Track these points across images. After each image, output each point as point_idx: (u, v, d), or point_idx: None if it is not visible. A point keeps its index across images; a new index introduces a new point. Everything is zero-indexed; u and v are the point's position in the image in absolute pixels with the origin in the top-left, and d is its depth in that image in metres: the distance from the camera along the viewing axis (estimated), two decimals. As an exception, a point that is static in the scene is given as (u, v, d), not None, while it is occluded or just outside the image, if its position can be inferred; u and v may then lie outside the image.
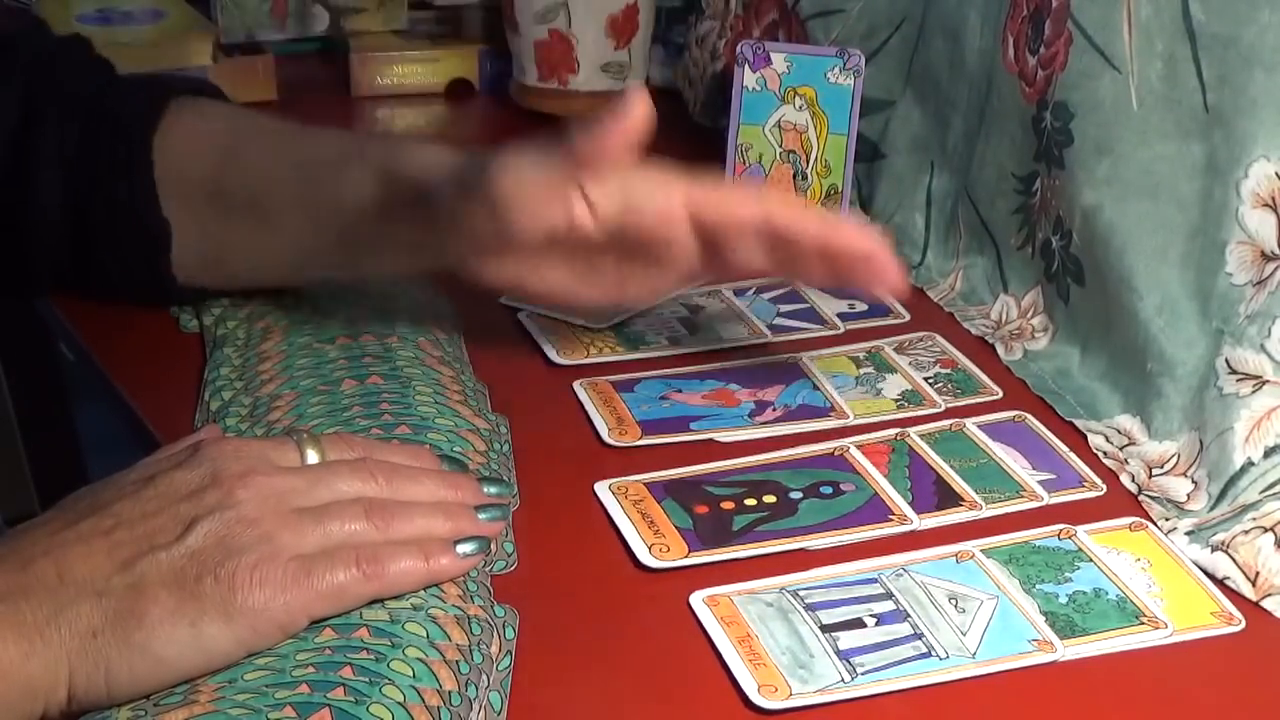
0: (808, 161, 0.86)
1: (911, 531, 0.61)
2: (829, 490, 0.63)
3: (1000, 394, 0.72)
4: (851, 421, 0.69)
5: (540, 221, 0.59)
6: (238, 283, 0.71)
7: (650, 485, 0.63)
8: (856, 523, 0.61)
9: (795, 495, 0.62)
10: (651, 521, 0.60)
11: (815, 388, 0.71)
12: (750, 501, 0.62)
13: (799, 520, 0.61)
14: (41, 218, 0.67)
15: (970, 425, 0.69)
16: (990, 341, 0.77)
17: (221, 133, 0.68)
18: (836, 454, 0.66)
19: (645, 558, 0.58)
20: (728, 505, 0.61)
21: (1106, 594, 0.57)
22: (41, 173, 0.66)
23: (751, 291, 0.81)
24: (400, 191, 0.63)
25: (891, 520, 0.61)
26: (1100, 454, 0.67)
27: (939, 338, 0.77)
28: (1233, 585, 0.58)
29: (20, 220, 0.67)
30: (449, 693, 0.48)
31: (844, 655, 0.53)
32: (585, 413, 0.68)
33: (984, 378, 0.73)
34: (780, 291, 0.81)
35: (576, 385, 0.70)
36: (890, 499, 0.62)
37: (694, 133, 1.04)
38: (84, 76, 0.69)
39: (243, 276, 0.70)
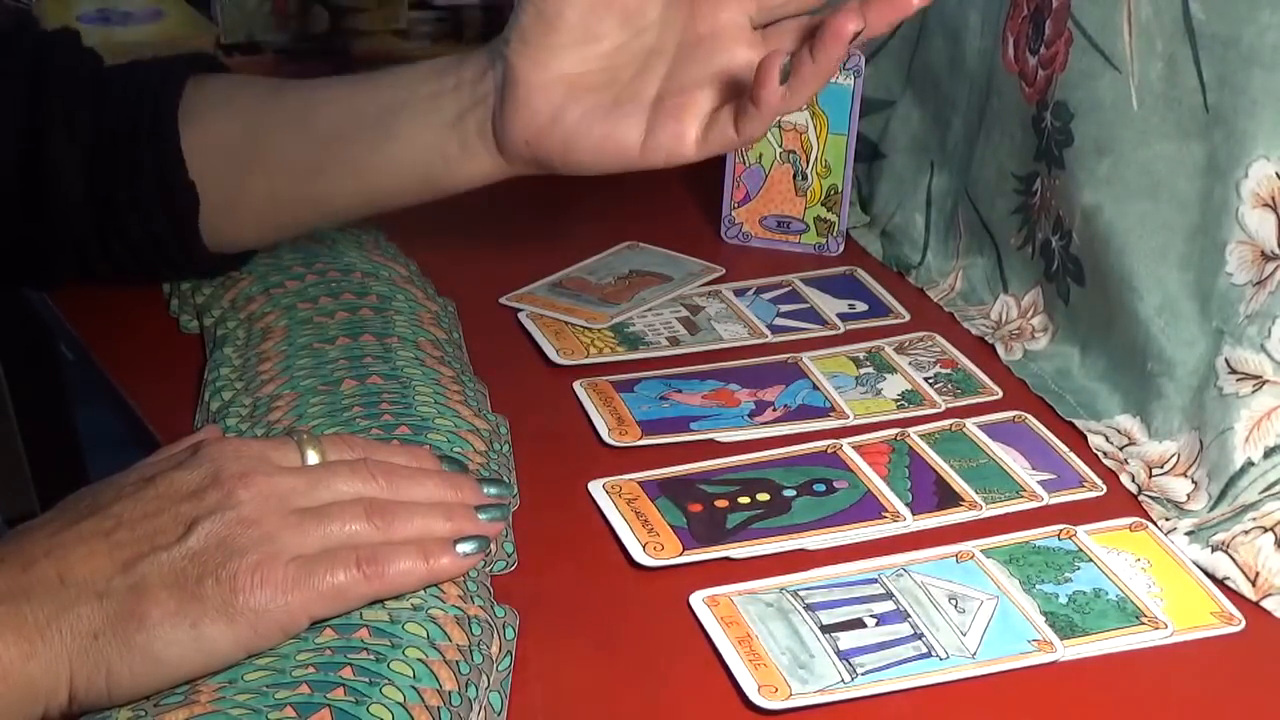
0: (808, 161, 0.86)
1: (911, 531, 0.61)
2: (822, 488, 0.63)
3: (1000, 394, 0.72)
4: (851, 421, 0.69)
5: None
6: (253, 235, 0.71)
7: (644, 484, 0.63)
8: (850, 520, 0.61)
9: (789, 493, 0.62)
10: (645, 520, 0.60)
11: (815, 388, 0.71)
12: (744, 499, 0.62)
13: (793, 518, 0.61)
14: (64, 200, 0.67)
15: (970, 425, 0.69)
16: (990, 341, 0.77)
17: (244, 104, 0.69)
18: (830, 451, 0.66)
19: (640, 556, 0.58)
20: (721, 503, 0.61)
21: (1106, 594, 0.57)
22: (60, 156, 0.66)
23: (752, 292, 0.81)
24: (429, 68, 0.65)
25: (885, 517, 0.61)
26: (1100, 454, 0.67)
27: (939, 338, 0.77)
28: (1233, 585, 0.58)
29: (43, 205, 0.67)
30: (449, 693, 0.48)
31: (844, 655, 0.53)
32: (585, 413, 0.68)
33: (984, 378, 0.73)
34: (780, 292, 0.81)
35: (576, 385, 0.70)
36: (883, 496, 0.63)
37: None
38: (82, 62, 0.70)
39: (260, 226, 0.70)
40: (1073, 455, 0.67)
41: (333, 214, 0.70)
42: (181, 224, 0.68)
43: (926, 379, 0.73)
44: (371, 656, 0.48)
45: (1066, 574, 0.58)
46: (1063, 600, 0.57)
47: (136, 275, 0.73)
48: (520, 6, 0.61)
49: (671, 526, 0.60)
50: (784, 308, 0.80)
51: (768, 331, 0.77)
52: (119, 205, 0.68)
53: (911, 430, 0.68)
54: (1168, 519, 0.62)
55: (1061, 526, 0.61)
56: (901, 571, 0.58)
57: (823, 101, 0.84)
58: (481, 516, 0.55)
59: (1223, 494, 0.62)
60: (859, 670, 0.52)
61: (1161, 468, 0.65)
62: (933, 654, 0.53)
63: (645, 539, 0.59)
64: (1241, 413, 0.62)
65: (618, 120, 0.62)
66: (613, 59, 0.62)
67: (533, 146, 0.63)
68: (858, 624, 0.55)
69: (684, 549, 0.58)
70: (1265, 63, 0.60)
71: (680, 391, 0.70)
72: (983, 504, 0.63)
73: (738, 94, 0.60)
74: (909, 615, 0.55)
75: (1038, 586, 0.58)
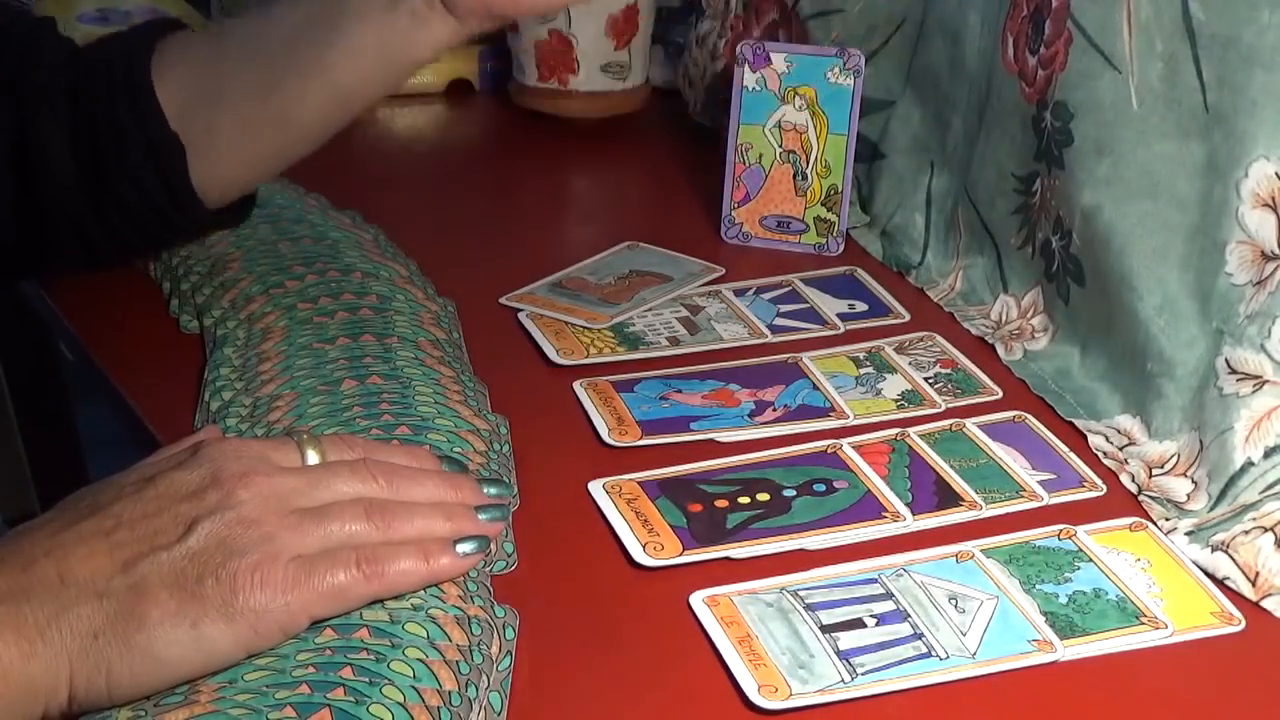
0: (808, 161, 0.86)
1: (911, 531, 0.61)
2: (822, 488, 0.63)
3: (1000, 394, 0.72)
4: (851, 421, 0.69)
5: None
6: (237, 172, 0.71)
7: (644, 484, 0.63)
8: (850, 520, 0.61)
9: (789, 493, 0.62)
10: (645, 520, 0.60)
11: (815, 388, 0.71)
12: (744, 499, 0.62)
13: (793, 518, 0.61)
14: (56, 181, 0.67)
15: (970, 425, 0.69)
16: (990, 341, 0.77)
17: (204, 45, 0.70)
18: (830, 451, 0.66)
19: (640, 556, 0.58)
20: (721, 503, 0.61)
21: (1106, 594, 0.57)
22: (47, 139, 0.67)
23: (752, 292, 0.81)
24: None
25: (885, 517, 0.61)
26: (1100, 454, 0.67)
27: (939, 338, 0.77)
28: (1233, 585, 0.58)
29: (37, 191, 0.67)
30: (449, 693, 0.48)
31: (844, 655, 0.53)
32: (585, 413, 0.68)
33: (984, 378, 0.73)
34: (780, 292, 0.82)
35: (576, 385, 0.70)
36: (883, 496, 0.63)
37: (694, 133, 1.04)
38: (57, 46, 0.70)
39: (241, 160, 0.70)
40: (1073, 455, 0.67)
41: (305, 127, 0.69)
42: (172, 178, 0.68)
43: (926, 379, 0.73)
44: (371, 656, 0.48)
45: (1066, 574, 0.58)
46: (1063, 600, 0.57)
47: (139, 246, 0.72)
48: None
49: (671, 526, 0.60)
50: (784, 308, 0.80)
51: (768, 331, 0.77)
52: (109, 174, 0.68)
53: (911, 430, 0.68)
54: (1168, 519, 0.62)
55: (1061, 526, 0.61)
56: (901, 571, 0.58)
57: (823, 101, 0.84)
58: (481, 516, 0.55)
59: (1223, 494, 0.62)
60: (859, 670, 0.52)
61: (1161, 468, 0.65)
62: (933, 654, 0.53)
63: (645, 539, 0.59)
64: (1241, 413, 0.62)
65: None
66: None
67: (501, 4, 0.65)
68: (858, 624, 0.55)
69: (684, 549, 0.58)
70: (1265, 63, 0.60)
71: (680, 391, 0.70)
72: (983, 504, 0.63)
73: None
74: (909, 615, 0.55)
75: (1038, 586, 0.58)
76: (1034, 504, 0.63)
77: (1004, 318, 0.78)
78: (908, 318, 0.79)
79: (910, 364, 0.74)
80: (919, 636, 0.54)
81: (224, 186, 0.71)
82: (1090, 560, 0.59)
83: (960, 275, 0.82)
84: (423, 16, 0.65)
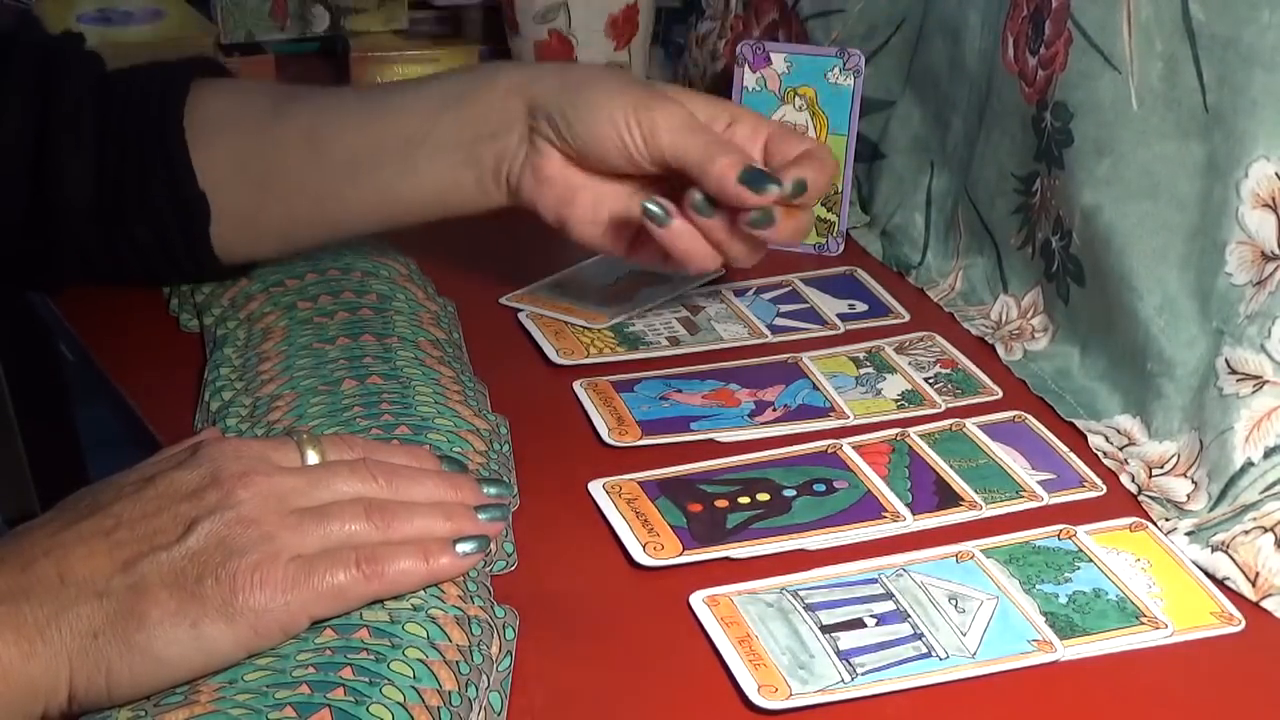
0: (808, 161, 0.85)
1: (911, 531, 0.61)
2: (822, 488, 0.63)
3: (1000, 394, 0.72)
4: (851, 421, 0.69)
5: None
6: (270, 251, 0.73)
7: (644, 484, 0.63)
8: (850, 520, 0.61)
9: (789, 493, 0.62)
10: (645, 520, 0.60)
11: (815, 388, 0.71)
12: (744, 499, 0.62)
13: (793, 518, 0.61)
14: (69, 207, 0.67)
15: (970, 425, 0.69)
16: (990, 341, 0.77)
17: (254, 121, 0.70)
18: (830, 451, 0.66)
19: (640, 556, 0.58)
20: (721, 503, 0.62)
21: (1106, 594, 0.57)
22: (66, 164, 0.67)
23: (752, 292, 0.81)
24: (440, 100, 0.68)
25: (885, 517, 0.61)
26: (1100, 454, 0.67)
27: (939, 338, 0.77)
28: (1233, 585, 0.58)
29: (46, 212, 0.67)
30: (449, 693, 0.48)
31: (844, 655, 0.53)
32: (585, 413, 0.68)
33: (984, 378, 0.73)
34: (780, 292, 0.81)
35: (576, 385, 0.70)
36: (883, 496, 0.63)
37: (694, 133, 1.03)
38: (87, 68, 0.70)
39: (278, 243, 0.72)
40: (1073, 455, 0.67)
41: (349, 232, 0.73)
42: (191, 233, 0.69)
43: (926, 379, 0.73)
44: (371, 657, 0.48)
45: (1066, 574, 0.58)
46: (1063, 600, 0.57)
47: (140, 279, 0.73)
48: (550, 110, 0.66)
49: (671, 526, 0.60)
50: (784, 308, 0.80)
51: (768, 331, 0.77)
52: (128, 213, 0.68)
53: (911, 430, 0.68)
54: (1168, 519, 0.62)
55: (1061, 526, 0.61)
56: (901, 571, 0.58)
57: (823, 102, 0.84)
58: (481, 516, 0.55)
59: (1223, 494, 0.62)
60: (859, 670, 0.52)
61: (1161, 468, 0.65)
62: (933, 654, 0.53)
63: (645, 539, 0.59)
64: (1241, 413, 0.62)
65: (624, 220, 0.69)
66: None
67: (547, 217, 0.69)
68: (858, 624, 0.55)
69: (684, 549, 0.58)
70: (1265, 63, 0.60)
71: (680, 391, 0.70)
72: (983, 504, 0.63)
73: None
74: (909, 615, 0.55)
75: (1038, 586, 0.58)
76: (1034, 504, 0.63)
77: (1004, 318, 0.78)
78: (908, 318, 0.79)
79: (910, 364, 0.74)
80: (919, 636, 0.54)
81: (251, 255, 0.72)
82: (1090, 560, 0.59)
83: (960, 275, 0.82)
84: (487, 187, 0.68)
